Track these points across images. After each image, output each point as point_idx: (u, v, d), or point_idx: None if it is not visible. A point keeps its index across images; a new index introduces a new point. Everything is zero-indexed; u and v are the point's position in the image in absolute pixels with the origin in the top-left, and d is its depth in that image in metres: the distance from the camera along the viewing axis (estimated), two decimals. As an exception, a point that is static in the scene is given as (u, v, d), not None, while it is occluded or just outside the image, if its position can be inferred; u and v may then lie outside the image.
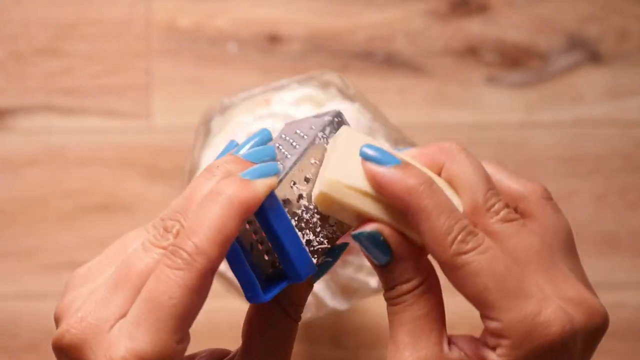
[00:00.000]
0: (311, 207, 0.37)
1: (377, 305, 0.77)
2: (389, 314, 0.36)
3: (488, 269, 0.33)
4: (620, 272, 0.78)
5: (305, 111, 0.59)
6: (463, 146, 0.37)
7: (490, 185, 0.36)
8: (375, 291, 0.58)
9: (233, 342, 0.39)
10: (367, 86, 0.77)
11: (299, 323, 0.39)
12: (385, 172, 0.35)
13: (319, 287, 0.57)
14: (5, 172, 0.78)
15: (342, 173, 0.35)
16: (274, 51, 0.81)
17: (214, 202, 0.34)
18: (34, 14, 0.81)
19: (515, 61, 0.82)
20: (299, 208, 0.37)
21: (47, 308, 0.76)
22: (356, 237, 0.36)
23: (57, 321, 0.35)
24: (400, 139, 0.61)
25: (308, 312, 0.57)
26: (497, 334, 0.34)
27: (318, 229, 0.37)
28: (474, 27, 0.82)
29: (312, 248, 0.37)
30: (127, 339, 0.32)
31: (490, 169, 0.37)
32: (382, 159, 0.35)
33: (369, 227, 0.35)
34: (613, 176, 0.80)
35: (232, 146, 0.38)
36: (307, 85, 0.61)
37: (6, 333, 0.76)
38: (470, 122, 0.80)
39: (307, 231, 0.37)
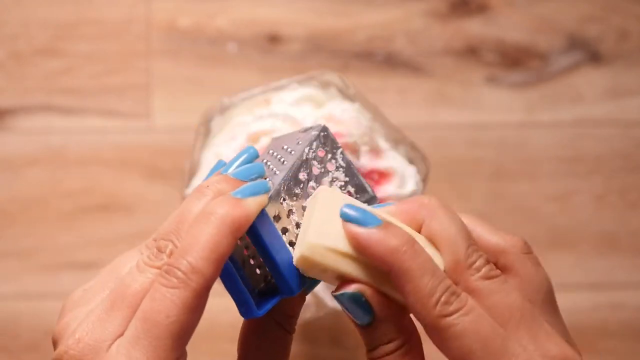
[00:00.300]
0: (301, 222, 0.37)
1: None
2: None
3: (472, 331, 0.34)
4: (620, 272, 0.78)
5: (305, 111, 0.59)
6: (442, 201, 0.37)
7: (470, 241, 0.36)
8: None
9: (233, 342, 0.39)
10: (367, 86, 0.77)
11: (297, 326, 0.39)
12: (366, 233, 0.34)
13: (319, 287, 0.57)
14: (5, 172, 0.78)
15: (322, 235, 0.35)
16: (274, 51, 0.81)
17: (206, 222, 0.34)
18: (34, 14, 0.81)
19: (515, 61, 0.82)
20: (289, 223, 0.37)
21: (47, 308, 0.76)
22: (338, 298, 0.35)
23: (55, 343, 0.36)
24: (400, 139, 0.62)
25: (308, 312, 0.57)
26: None
27: None
28: (474, 27, 0.82)
29: None
30: (125, 358, 0.33)
31: (470, 223, 0.37)
32: (362, 220, 0.35)
33: (351, 288, 0.35)
34: (613, 176, 0.80)
35: (220, 165, 0.39)
36: (307, 85, 0.61)
37: (6, 333, 0.76)
38: (470, 122, 0.80)
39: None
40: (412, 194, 0.59)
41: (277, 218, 0.37)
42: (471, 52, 0.81)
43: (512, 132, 0.80)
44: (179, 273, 0.33)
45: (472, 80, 0.81)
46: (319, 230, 0.35)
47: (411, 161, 0.61)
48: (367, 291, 0.35)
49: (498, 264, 0.37)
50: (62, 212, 0.78)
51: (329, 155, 0.39)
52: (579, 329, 0.77)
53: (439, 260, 0.35)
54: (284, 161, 0.38)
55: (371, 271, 0.35)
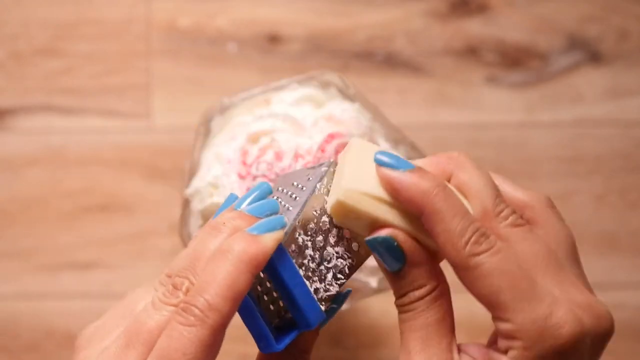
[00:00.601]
0: (316, 255, 0.38)
1: (377, 305, 0.77)
2: (400, 321, 0.36)
3: (501, 270, 0.34)
4: (620, 272, 0.78)
5: (305, 111, 0.59)
6: (470, 156, 0.38)
7: (498, 192, 0.37)
8: (375, 291, 0.58)
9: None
10: (367, 86, 0.77)
11: None
12: (400, 176, 0.35)
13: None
14: (5, 172, 0.78)
15: (356, 181, 0.36)
16: (274, 51, 0.81)
17: (223, 259, 0.34)
18: (34, 14, 0.81)
19: (515, 61, 0.82)
20: (305, 258, 0.37)
21: (47, 308, 0.76)
22: (370, 243, 0.36)
23: None
24: (400, 139, 0.61)
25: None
26: (509, 336, 0.34)
27: (324, 277, 0.38)
28: (474, 27, 0.82)
29: (319, 296, 0.37)
30: None
31: (497, 179, 0.38)
32: (396, 165, 0.36)
33: (384, 232, 0.36)
34: (613, 176, 0.80)
35: (232, 199, 0.39)
36: (307, 85, 0.61)
37: (6, 333, 0.76)
38: (470, 122, 0.80)
39: (315, 279, 0.37)
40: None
41: (294, 252, 0.37)
42: (471, 52, 0.81)
43: (512, 132, 0.80)
44: (196, 311, 0.33)
45: (472, 80, 0.81)
46: (353, 176, 0.36)
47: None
48: (400, 235, 0.36)
49: (524, 217, 0.38)
50: (62, 212, 0.78)
51: None
52: (579, 329, 0.77)
53: (468, 208, 0.36)
54: (295, 197, 0.39)
55: (405, 217, 0.36)
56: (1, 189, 0.78)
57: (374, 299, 0.60)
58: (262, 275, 0.37)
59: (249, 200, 0.38)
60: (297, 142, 0.57)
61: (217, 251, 0.35)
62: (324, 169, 0.39)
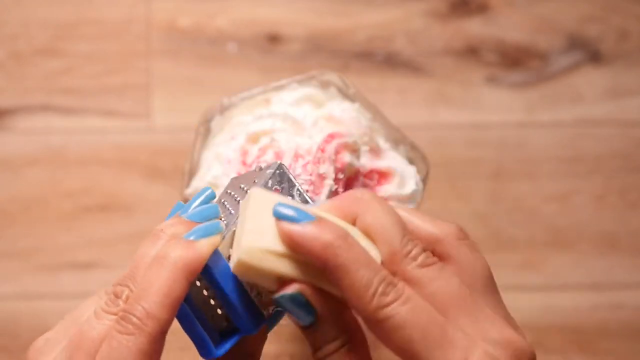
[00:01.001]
0: None
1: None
2: None
3: (411, 321, 0.33)
4: (620, 272, 0.78)
5: (305, 111, 0.59)
6: (375, 195, 0.37)
7: (405, 231, 0.35)
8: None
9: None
10: (367, 86, 0.77)
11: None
12: (299, 229, 0.34)
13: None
14: (5, 172, 0.78)
15: (257, 237, 0.34)
16: (274, 51, 0.81)
17: (160, 266, 0.34)
18: (34, 14, 0.81)
19: (515, 61, 0.82)
20: None
21: (47, 308, 0.76)
22: (278, 301, 0.35)
23: None
24: (400, 139, 0.62)
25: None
26: None
27: None
28: (474, 27, 0.82)
29: (261, 300, 0.37)
30: None
31: (404, 214, 0.37)
32: (295, 217, 0.34)
33: (290, 289, 0.35)
34: (613, 176, 0.80)
35: (179, 207, 0.39)
36: (307, 85, 0.61)
37: (6, 333, 0.76)
38: (470, 122, 0.80)
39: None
40: (412, 194, 0.59)
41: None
42: (471, 52, 0.81)
43: (512, 132, 0.80)
44: (134, 319, 0.33)
45: (472, 80, 0.81)
46: (253, 233, 0.35)
47: (411, 161, 0.61)
48: (307, 291, 0.35)
49: (435, 253, 0.37)
50: (62, 212, 0.78)
51: (285, 193, 0.39)
52: (579, 329, 0.77)
53: (375, 253, 0.35)
54: (239, 201, 0.38)
55: (310, 270, 0.35)
56: (1, 189, 0.78)
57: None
58: (204, 280, 0.37)
59: (193, 206, 0.38)
60: (297, 142, 0.57)
61: (154, 258, 0.35)
62: (269, 171, 0.38)
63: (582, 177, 0.80)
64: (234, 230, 0.36)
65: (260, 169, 0.40)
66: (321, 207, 0.37)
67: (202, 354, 0.36)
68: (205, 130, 0.62)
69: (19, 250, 0.77)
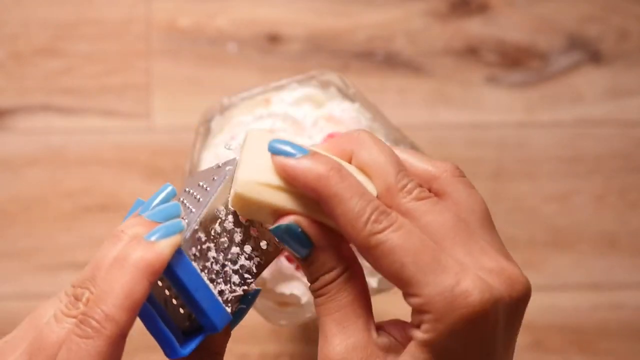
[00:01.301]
0: (220, 257, 0.37)
1: (377, 305, 0.77)
2: (316, 306, 0.36)
3: (403, 246, 0.34)
4: (620, 272, 0.78)
5: (305, 111, 0.59)
6: (371, 133, 0.37)
7: (400, 167, 0.36)
8: (375, 291, 0.58)
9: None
10: (367, 86, 0.77)
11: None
12: (293, 162, 0.35)
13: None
14: (5, 172, 0.78)
15: (253, 171, 0.36)
16: (274, 51, 0.81)
17: (120, 268, 0.34)
18: (34, 14, 0.81)
19: (515, 61, 0.82)
20: (207, 260, 0.37)
21: (47, 308, 0.76)
22: (275, 231, 0.36)
23: None
24: (400, 139, 0.62)
25: (308, 312, 0.57)
26: (420, 310, 0.34)
27: (229, 278, 0.37)
28: (474, 27, 0.82)
29: (225, 297, 0.37)
30: None
31: (401, 153, 0.38)
32: (290, 151, 0.35)
33: (286, 220, 0.35)
34: (613, 176, 0.80)
35: (138, 204, 0.39)
36: (307, 85, 0.61)
37: (6, 333, 0.76)
38: (470, 122, 0.80)
39: (219, 281, 0.37)
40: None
41: (195, 257, 0.36)
42: (471, 52, 0.81)
43: (512, 132, 0.80)
44: (93, 322, 0.33)
45: (472, 80, 0.81)
46: (250, 167, 0.36)
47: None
48: (303, 222, 0.35)
49: (431, 190, 0.37)
50: (62, 212, 0.78)
51: None
52: (579, 329, 0.77)
53: (371, 187, 0.36)
54: (199, 199, 0.38)
55: (306, 202, 0.35)
56: (1, 189, 0.78)
57: (374, 299, 0.60)
58: (166, 279, 0.37)
59: (153, 204, 0.38)
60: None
61: (114, 259, 0.34)
62: (228, 167, 0.38)
63: (582, 177, 0.80)
64: (195, 229, 0.37)
65: (219, 166, 0.39)
66: (317, 146, 0.37)
67: (167, 354, 0.36)
68: (205, 130, 0.62)
69: (19, 250, 0.77)
